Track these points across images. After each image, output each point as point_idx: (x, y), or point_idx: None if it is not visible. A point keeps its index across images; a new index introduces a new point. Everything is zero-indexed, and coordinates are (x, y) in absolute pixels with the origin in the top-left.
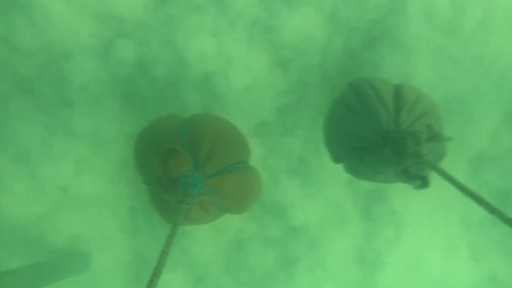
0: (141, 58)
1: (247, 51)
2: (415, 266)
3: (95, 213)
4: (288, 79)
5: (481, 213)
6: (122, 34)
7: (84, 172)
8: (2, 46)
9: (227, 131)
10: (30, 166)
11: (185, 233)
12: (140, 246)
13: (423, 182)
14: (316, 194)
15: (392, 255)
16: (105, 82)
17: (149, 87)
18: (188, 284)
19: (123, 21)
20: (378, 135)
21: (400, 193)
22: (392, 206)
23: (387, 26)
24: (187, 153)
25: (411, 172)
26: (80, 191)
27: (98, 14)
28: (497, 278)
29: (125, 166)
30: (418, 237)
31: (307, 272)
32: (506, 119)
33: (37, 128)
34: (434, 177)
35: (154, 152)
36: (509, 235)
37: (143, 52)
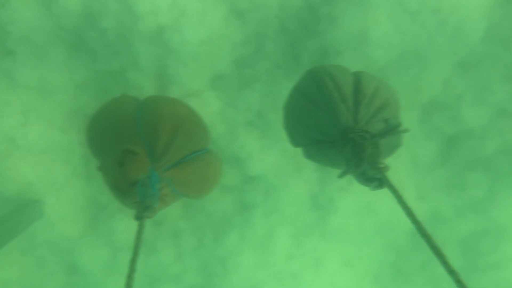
0: (88, 8)
1: (202, 2)
2: (365, 209)
3: (46, 162)
4: (245, 31)
5: (428, 156)
6: None
7: (33, 122)
8: None
9: (185, 118)
10: None
11: None
12: (95, 191)
13: (379, 184)
14: (273, 146)
15: (344, 200)
16: (49, 32)
17: (98, 39)
18: (146, 228)
19: None
20: (337, 131)
21: None
22: None
23: None
24: (144, 144)
25: (368, 174)
26: (29, 141)
27: None
28: (439, 215)
29: (76, 115)
30: None
31: (264, 216)
32: (458, 68)
33: None
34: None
35: (109, 144)
36: (452, 176)
37: (90, 2)
